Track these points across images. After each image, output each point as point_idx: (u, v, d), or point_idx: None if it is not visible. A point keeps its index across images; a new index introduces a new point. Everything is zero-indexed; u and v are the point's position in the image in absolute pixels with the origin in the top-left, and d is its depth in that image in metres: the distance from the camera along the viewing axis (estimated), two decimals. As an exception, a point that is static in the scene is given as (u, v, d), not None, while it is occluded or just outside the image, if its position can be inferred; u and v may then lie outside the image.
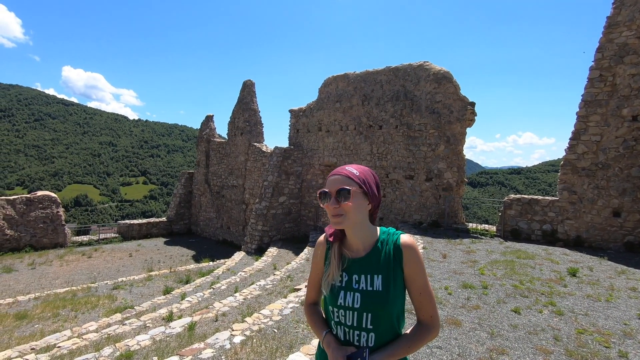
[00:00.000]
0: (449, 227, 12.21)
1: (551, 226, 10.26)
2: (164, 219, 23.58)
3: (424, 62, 13.19)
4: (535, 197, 10.78)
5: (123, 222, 21.84)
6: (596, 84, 9.56)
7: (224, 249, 19.00)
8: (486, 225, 12.65)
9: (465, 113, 12.17)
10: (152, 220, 22.81)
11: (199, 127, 24.62)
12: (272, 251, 13.89)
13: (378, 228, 1.65)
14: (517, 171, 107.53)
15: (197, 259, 17.02)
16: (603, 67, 9.46)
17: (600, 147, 9.53)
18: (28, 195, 17.99)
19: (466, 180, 12.95)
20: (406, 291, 1.58)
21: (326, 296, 1.61)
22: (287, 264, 11.23)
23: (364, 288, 1.53)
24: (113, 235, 20.83)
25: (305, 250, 12.62)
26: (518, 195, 11.01)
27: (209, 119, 23.92)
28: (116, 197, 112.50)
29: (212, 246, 20.11)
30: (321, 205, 1.55)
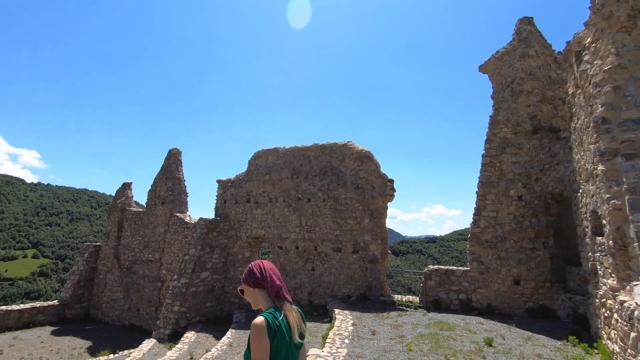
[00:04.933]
0: (377, 299, 12.34)
1: (466, 295, 11.02)
2: (55, 302, 19.74)
3: (348, 141, 14.42)
4: (451, 267, 11.65)
5: (-3, 308, 17.69)
6: (488, 169, 11.34)
7: (130, 337, 16.29)
8: (410, 296, 13.08)
9: (386, 189, 13.26)
10: (37, 304, 18.91)
11: (114, 194, 22.54)
12: (190, 336, 12.31)
13: (267, 310, 2.22)
14: (432, 240, 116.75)
15: (93, 351, 14.23)
16: (492, 155, 11.36)
17: (497, 222, 10.96)
18: None
19: (389, 251, 13.60)
20: None
21: None
22: (207, 351, 9.98)
23: None
24: (-21, 326, 16.60)
25: (228, 333, 11.43)
26: (436, 266, 11.80)
27: (125, 186, 22.16)
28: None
29: (115, 333, 17.14)
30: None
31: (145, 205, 20.65)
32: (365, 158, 13.73)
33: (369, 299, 12.47)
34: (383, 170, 13.63)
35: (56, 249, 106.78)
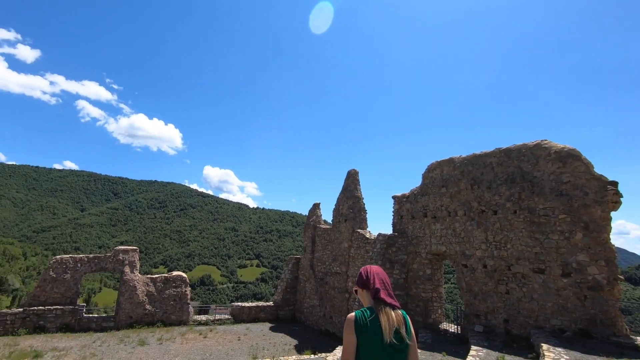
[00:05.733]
0: (606, 339, 9.44)
1: None
2: (271, 303, 24.32)
3: (542, 140, 12.03)
4: None
5: (236, 304, 23.26)
6: None
7: (326, 341, 18.14)
8: (666, 342, 9.36)
9: (606, 194, 10.22)
10: (260, 304, 23.74)
11: (307, 213, 26.25)
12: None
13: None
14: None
15: (299, 349, 16.55)
16: None
17: None
18: (166, 275, 20.99)
19: (621, 277, 10.24)
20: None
21: None
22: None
23: None
24: (226, 316, 22.17)
25: (414, 352, 11.10)
26: None
27: (315, 206, 25.41)
28: (233, 278, 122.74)
29: (314, 336, 19.48)
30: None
31: (331, 222, 23.08)
32: (569, 157, 11.06)
33: (594, 338, 9.65)
34: (599, 171, 10.60)
35: (271, 260, 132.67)
